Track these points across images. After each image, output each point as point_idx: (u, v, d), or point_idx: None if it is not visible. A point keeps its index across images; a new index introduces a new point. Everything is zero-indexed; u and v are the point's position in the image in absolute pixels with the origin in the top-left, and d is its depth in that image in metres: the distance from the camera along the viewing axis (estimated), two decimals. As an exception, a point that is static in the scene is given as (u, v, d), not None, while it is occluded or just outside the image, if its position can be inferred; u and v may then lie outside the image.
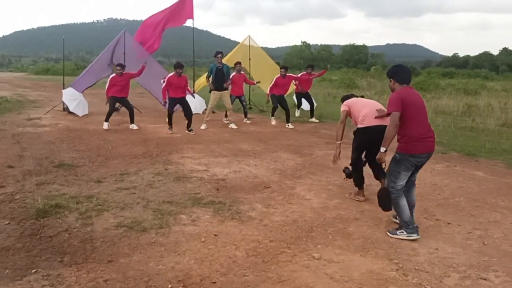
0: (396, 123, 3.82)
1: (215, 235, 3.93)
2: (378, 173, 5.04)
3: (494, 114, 13.29)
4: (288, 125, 10.83)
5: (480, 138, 9.51)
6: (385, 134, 3.91)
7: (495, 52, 78.68)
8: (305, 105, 12.84)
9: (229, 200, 4.93)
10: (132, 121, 10.18)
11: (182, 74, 9.64)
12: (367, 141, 4.85)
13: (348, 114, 5.11)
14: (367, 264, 3.43)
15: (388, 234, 4.00)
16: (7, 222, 4.10)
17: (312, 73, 12.16)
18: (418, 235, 3.91)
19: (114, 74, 10.10)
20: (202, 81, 13.58)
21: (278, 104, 10.95)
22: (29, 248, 3.57)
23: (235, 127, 10.49)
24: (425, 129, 3.95)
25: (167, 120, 9.80)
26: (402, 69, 4.15)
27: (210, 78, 10.58)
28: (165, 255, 3.51)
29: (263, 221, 4.31)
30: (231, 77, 10.94)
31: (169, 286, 3.03)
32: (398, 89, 3.98)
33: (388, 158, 4.09)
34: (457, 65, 68.75)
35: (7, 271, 3.17)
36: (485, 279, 3.25)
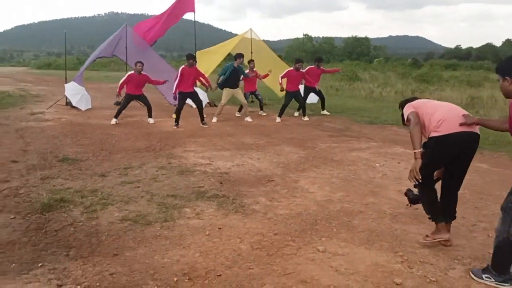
0: None
1: (220, 228, 3.94)
2: (451, 208, 3.71)
3: (498, 105, 13.21)
4: (304, 118, 11.02)
5: (484, 130, 9.33)
6: None
7: (498, 43, 78.33)
8: (313, 98, 12.87)
9: (233, 194, 4.94)
10: (150, 115, 10.44)
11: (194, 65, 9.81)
12: (446, 155, 3.51)
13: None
14: (372, 257, 3.43)
15: (472, 275, 3.14)
16: (12, 217, 4.12)
17: (321, 68, 12.12)
18: None
19: (132, 72, 10.13)
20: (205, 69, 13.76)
21: (294, 99, 11.01)
22: (35, 242, 3.59)
23: (250, 120, 10.72)
24: None
25: (173, 115, 9.88)
26: None
27: (221, 77, 10.60)
28: (170, 248, 3.52)
29: (267, 214, 4.32)
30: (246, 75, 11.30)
31: (175, 279, 3.04)
32: None
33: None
34: (459, 57, 68.28)
35: (13, 265, 3.19)
36: (490, 271, 3.25)
